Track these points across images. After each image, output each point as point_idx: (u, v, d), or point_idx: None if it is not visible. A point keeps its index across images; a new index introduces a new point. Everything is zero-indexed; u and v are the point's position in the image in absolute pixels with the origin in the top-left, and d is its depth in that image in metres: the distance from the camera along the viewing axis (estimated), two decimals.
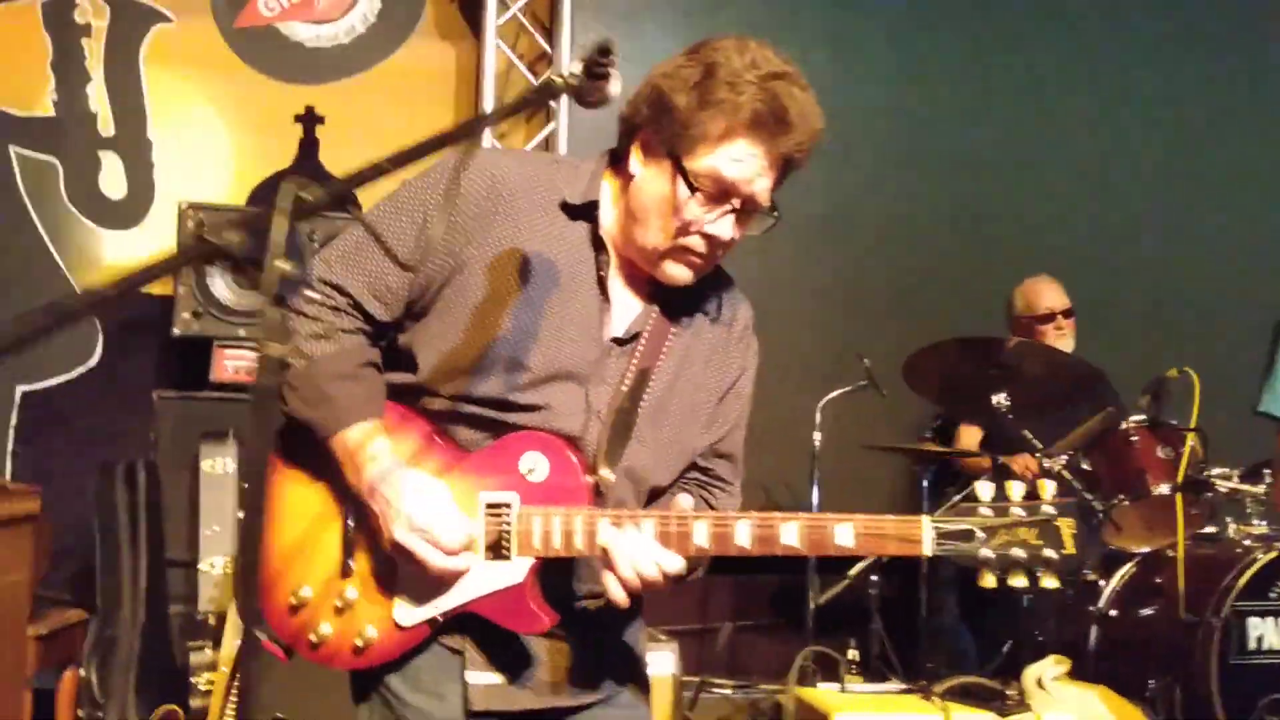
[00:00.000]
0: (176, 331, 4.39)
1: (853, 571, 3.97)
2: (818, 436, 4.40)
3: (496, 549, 1.81)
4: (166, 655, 4.10)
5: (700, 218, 1.81)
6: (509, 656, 1.89)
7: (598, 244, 1.90)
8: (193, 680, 3.91)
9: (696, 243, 1.83)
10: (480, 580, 1.82)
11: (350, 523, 1.89)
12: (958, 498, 1.82)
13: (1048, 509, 1.72)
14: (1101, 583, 4.04)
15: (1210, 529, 4.13)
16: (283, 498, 1.92)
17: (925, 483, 4.43)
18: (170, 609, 4.18)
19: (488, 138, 4.96)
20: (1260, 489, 3.96)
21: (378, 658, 1.87)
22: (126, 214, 5.00)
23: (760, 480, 5.00)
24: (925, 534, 1.73)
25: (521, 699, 1.89)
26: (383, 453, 1.82)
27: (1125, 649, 3.91)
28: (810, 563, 4.32)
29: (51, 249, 4.92)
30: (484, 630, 1.86)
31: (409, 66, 5.23)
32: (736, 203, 1.81)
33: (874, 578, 3.99)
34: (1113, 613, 3.97)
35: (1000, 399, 3.91)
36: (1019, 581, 1.73)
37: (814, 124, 1.81)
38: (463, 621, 1.86)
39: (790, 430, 4.52)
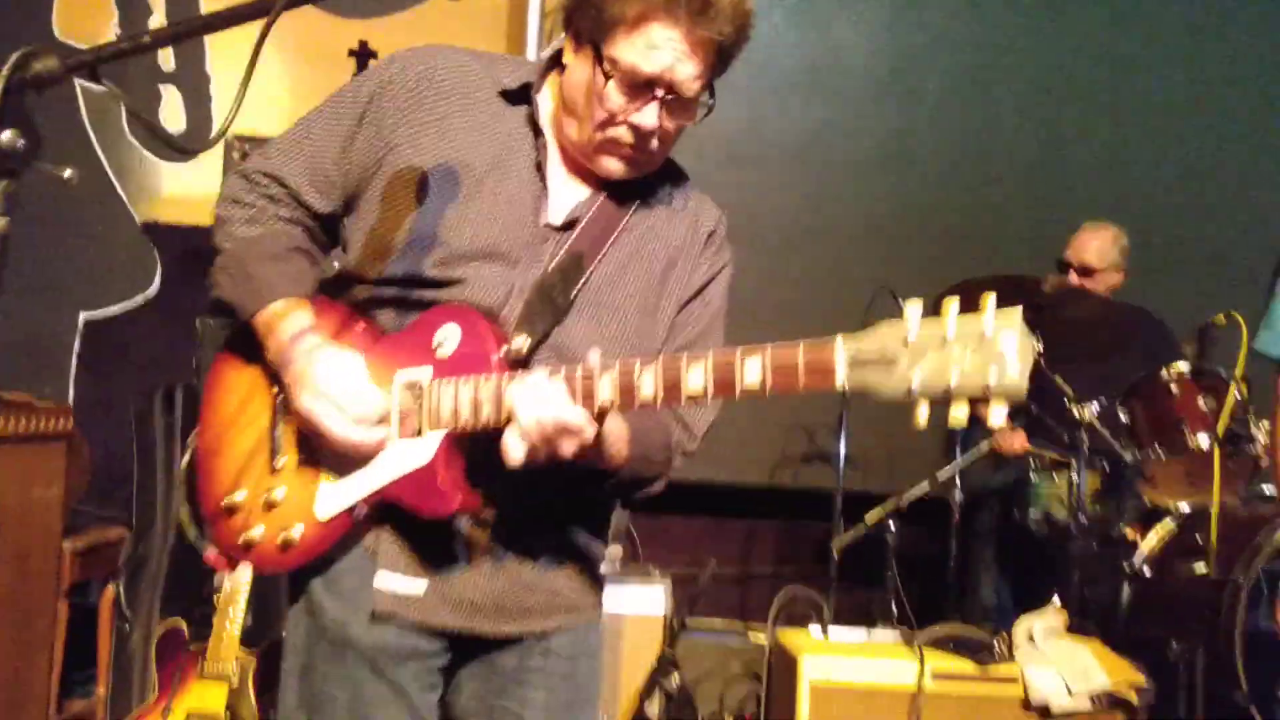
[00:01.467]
0: None
1: (869, 517, 3.85)
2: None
3: (411, 427, 1.73)
4: (194, 573, 4.22)
5: (622, 107, 1.74)
6: (426, 556, 1.79)
7: (535, 129, 1.84)
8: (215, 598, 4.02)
9: (623, 133, 1.77)
10: (394, 462, 1.73)
11: (278, 418, 1.84)
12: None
13: (985, 323, 1.39)
14: (1138, 540, 3.83)
15: (1267, 487, 3.87)
16: (218, 400, 1.90)
17: (959, 435, 4.25)
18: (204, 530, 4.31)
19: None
20: None
21: (302, 556, 1.81)
22: (186, 145, 5.09)
23: (784, 424, 4.90)
24: (838, 358, 1.46)
25: (437, 613, 1.79)
26: (301, 324, 1.78)
27: (1157, 610, 3.71)
28: (837, 508, 4.20)
29: (113, 179, 5.07)
30: (403, 525, 1.78)
31: (460, 3, 5.20)
32: (660, 91, 1.73)
33: (892, 526, 3.85)
34: (1147, 571, 3.76)
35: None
36: (960, 411, 1.40)
37: (741, 6, 1.72)
38: (383, 516, 1.78)
39: None
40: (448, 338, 1.72)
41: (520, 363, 1.74)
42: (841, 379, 1.47)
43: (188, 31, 1.29)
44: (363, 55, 5.27)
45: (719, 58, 1.76)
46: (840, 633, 3.38)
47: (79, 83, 5.01)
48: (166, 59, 5.09)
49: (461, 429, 1.69)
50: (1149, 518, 3.87)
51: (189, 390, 4.31)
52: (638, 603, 3.38)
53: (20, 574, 3.72)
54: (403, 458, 1.73)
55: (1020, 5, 5.34)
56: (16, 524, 3.67)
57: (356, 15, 5.18)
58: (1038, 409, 3.97)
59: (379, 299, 1.82)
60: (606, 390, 1.60)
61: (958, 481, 4.10)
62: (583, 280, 1.81)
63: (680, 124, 1.80)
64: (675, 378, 1.56)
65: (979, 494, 4.34)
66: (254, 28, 5.28)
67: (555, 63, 1.87)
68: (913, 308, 1.46)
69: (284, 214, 1.88)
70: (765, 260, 4.87)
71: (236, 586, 3.37)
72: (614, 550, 3.90)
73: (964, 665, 3.09)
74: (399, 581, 1.79)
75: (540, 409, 1.59)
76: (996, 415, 1.40)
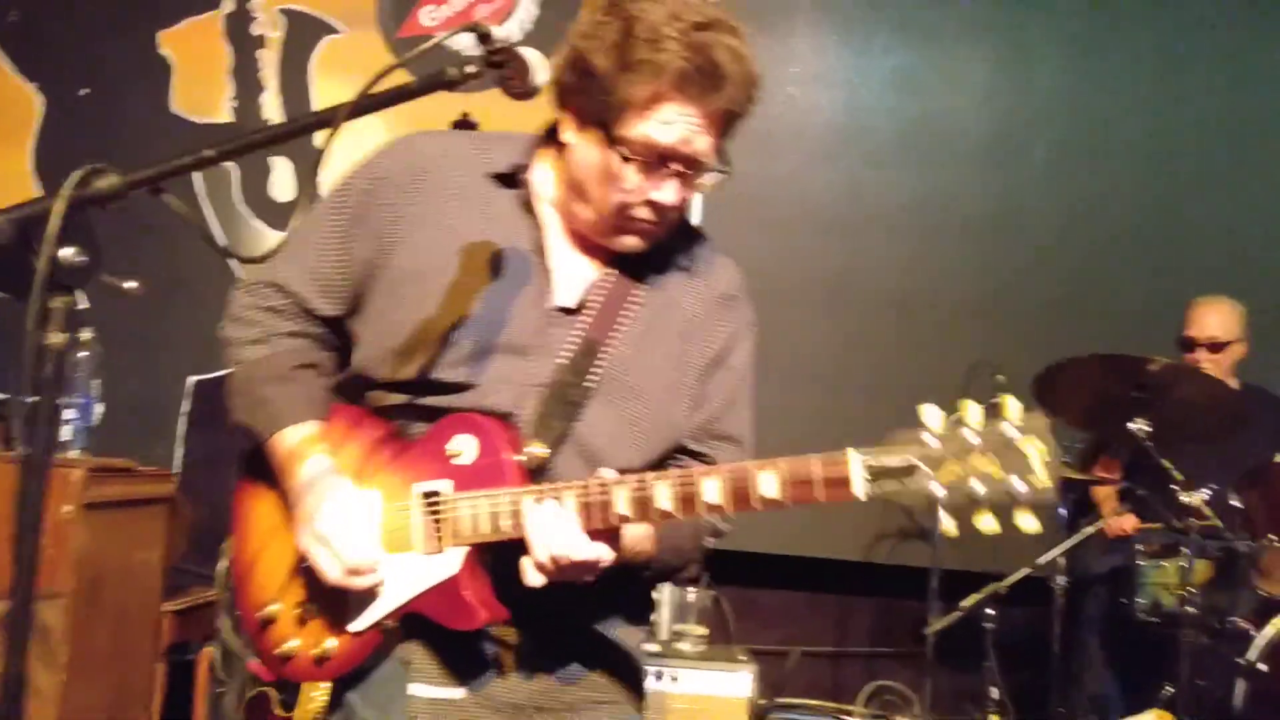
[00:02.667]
0: None
1: (966, 602, 3.72)
2: None
3: (432, 542, 1.72)
4: None
5: (640, 186, 1.70)
6: (460, 665, 1.78)
7: (530, 210, 1.80)
8: None
9: (642, 212, 1.73)
10: (418, 576, 1.72)
11: None
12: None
13: (1008, 429, 1.38)
14: (1253, 632, 3.63)
15: None
16: (249, 514, 1.91)
17: (1063, 510, 4.11)
18: None
19: None
20: None
21: (337, 669, 1.81)
22: (285, 214, 5.26)
23: (882, 503, 4.77)
24: (854, 472, 1.45)
25: (472, 713, 1.77)
26: (313, 458, 1.76)
27: (1272, 706, 3.50)
28: (931, 589, 4.08)
29: (225, 247, 5.24)
30: (434, 636, 1.77)
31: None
32: (677, 166, 1.70)
33: (989, 610, 3.72)
34: (1262, 666, 3.56)
35: (1141, 424, 3.59)
36: (986, 523, 1.38)
37: (749, 71, 1.67)
38: (413, 627, 1.77)
39: None
40: (465, 448, 1.71)
41: (539, 470, 1.72)
42: (860, 492, 1.45)
43: (250, 145, 1.31)
44: (464, 127, 5.38)
45: (728, 124, 1.72)
46: None
47: None
48: None
49: (481, 541, 1.68)
50: (1264, 610, 3.67)
51: None
52: (722, 685, 3.31)
53: (119, 635, 3.80)
54: (426, 572, 1.72)
55: (1129, 68, 5.17)
56: (117, 586, 3.75)
57: (462, 90, 5.27)
58: (1147, 493, 3.82)
59: (395, 405, 1.79)
60: (622, 506, 1.59)
61: (1061, 563, 3.94)
62: (598, 365, 1.77)
63: (692, 194, 1.76)
64: (690, 493, 1.56)
65: (1084, 578, 4.17)
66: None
67: (549, 138, 1.83)
68: (930, 413, 1.44)
69: (288, 328, 1.86)
70: (861, 329, 4.80)
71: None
72: (698, 630, 3.83)
73: None
74: (431, 690, 1.78)
75: (553, 544, 1.60)
76: (1027, 523, 1.37)
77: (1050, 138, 5.14)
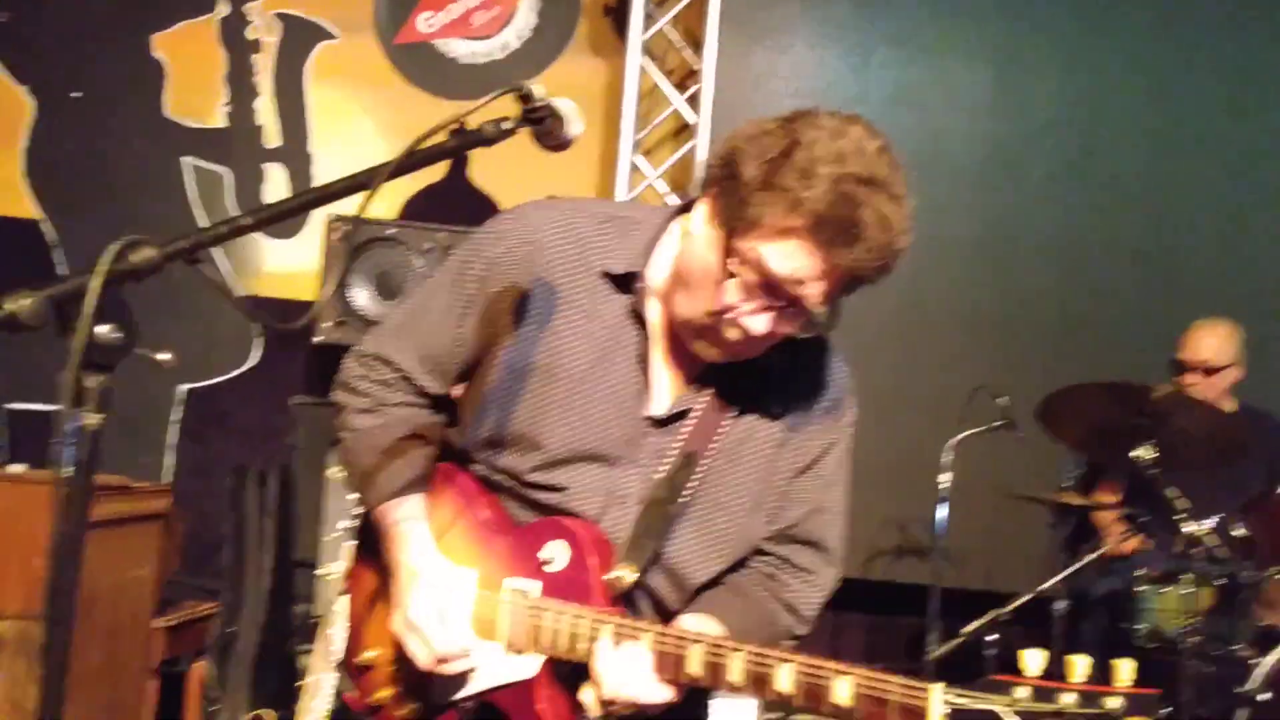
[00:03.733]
0: (317, 339, 4.53)
1: (967, 630, 3.71)
2: (946, 478, 4.11)
3: (517, 640, 1.73)
4: (285, 655, 4.23)
5: (736, 304, 1.62)
6: None
7: (639, 319, 1.75)
8: (299, 684, 4.02)
9: (731, 332, 1.65)
10: (499, 670, 1.74)
11: None
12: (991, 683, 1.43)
13: (1111, 704, 1.32)
14: (1253, 661, 3.63)
15: None
16: (367, 572, 1.93)
17: (1065, 538, 4.10)
18: (295, 609, 4.33)
19: (627, 156, 4.93)
20: None
21: None
22: (288, 224, 5.18)
23: (875, 516, 4.77)
24: (933, 709, 1.40)
25: None
26: (413, 537, 1.79)
27: None
28: (932, 609, 4.08)
29: (217, 256, 5.18)
30: None
31: (561, 82, 5.22)
32: (780, 301, 1.61)
33: (989, 638, 3.71)
34: (1264, 696, 3.56)
35: (1143, 452, 3.59)
36: None
37: (891, 242, 1.57)
38: (487, 715, 1.77)
39: (914, 470, 4.27)
40: (557, 555, 1.72)
41: (624, 595, 1.72)
42: None
43: (287, 211, 1.27)
44: (462, 136, 5.32)
45: (850, 283, 1.64)
46: None
47: (187, 161, 5.16)
48: (272, 137, 5.20)
49: (556, 656, 1.69)
50: (1266, 640, 3.67)
51: (284, 471, 4.35)
52: (726, 714, 3.28)
53: (111, 651, 3.76)
54: (507, 669, 1.74)
55: (1129, 88, 5.15)
56: (109, 604, 3.72)
57: (457, 96, 5.23)
58: (1150, 519, 3.81)
59: (493, 484, 1.81)
60: (695, 665, 1.58)
61: (1060, 587, 3.94)
62: (693, 481, 1.74)
63: (789, 332, 1.68)
64: (763, 675, 1.54)
65: (1082, 600, 4.17)
66: (355, 104, 5.34)
67: (682, 209, 1.77)
68: (1032, 657, 1.41)
69: (397, 399, 1.86)
70: (857, 352, 4.75)
71: (318, 680, 3.37)
72: None
73: None
74: None
75: (622, 687, 1.60)
76: None
77: (1046, 157, 5.12)
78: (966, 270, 5.00)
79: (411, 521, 1.80)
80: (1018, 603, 3.78)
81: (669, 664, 1.60)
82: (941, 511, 4.11)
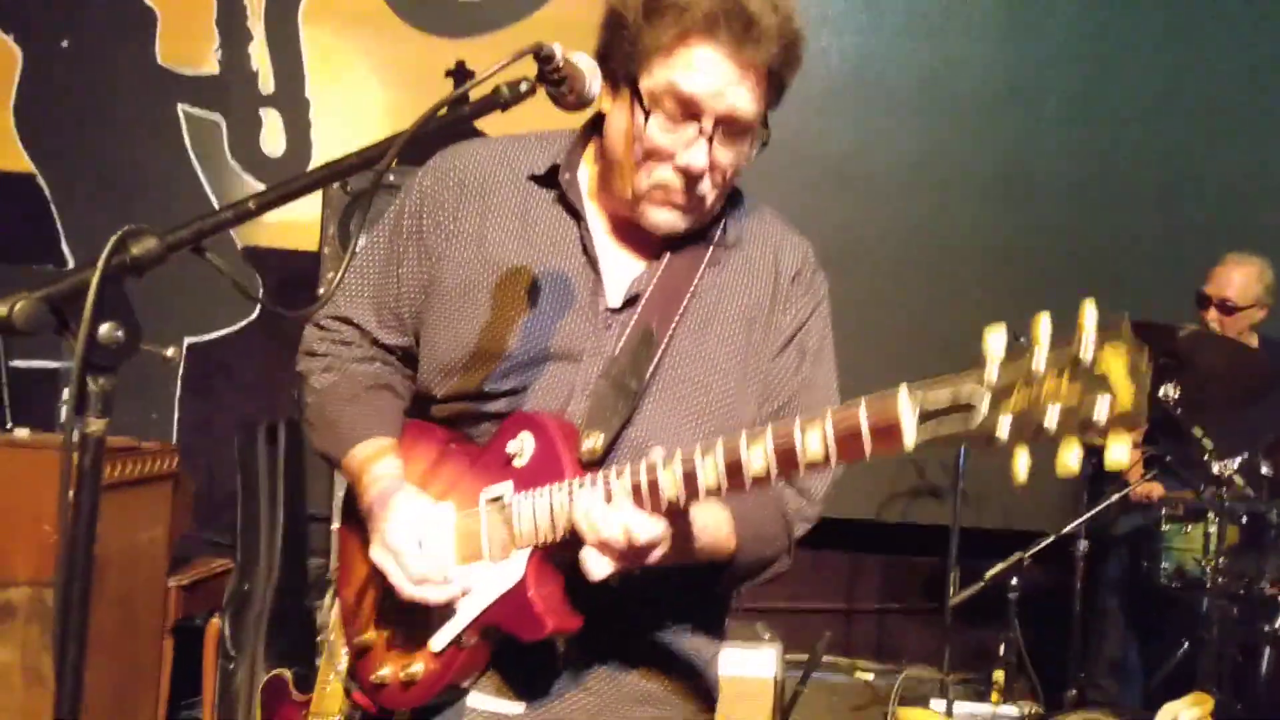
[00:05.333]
0: (321, 290, 4.45)
1: (989, 574, 3.67)
2: None
3: (501, 547, 1.64)
4: (300, 611, 4.21)
5: (664, 145, 1.60)
6: (522, 680, 1.71)
7: (570, 208, 1.73)
8: (319, 639, 4.00)
9: (667, 177, 1.63)
10: (488, 585, 1.65)
11: None
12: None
13: (1084, 344, 1.11)
14: None
15: None
16: (350, 552, 1.87)
17: (1085, 476, 4.05)
18: (310, 563, 4.30)
19: None
20: None
21: (424, 692, 1.74)
22: (285, 170, 5.10)
23: (897, 460, 4.71)
24: (904, 414, 1.25)
25: None
26: (385, 473, 1.73)
27: None
28: (951, 551, 4.04)
29: (215, 204, 5.08)
30: (501, 652, 1.69)
31: (559, 19, 5.08)
32: (708, 124, 1.58)
33: (1014, 580, 3.67)
34: None
35: (1168, 390, 3.52)
36: (1071, 457, 1.11)
37: (787, 22, 1.58)
38: (501, 654, 1.69)
39: None
40: (523, 447, 1.64)
41: (596, 463, 1.63)
42: (910, 438, 1.25)
43: (293, 192, 1.19)
44: (460, 75, 5.20)
45: (770, 84, 1.61)
46: (963, 708, 3.22)
47: (181, 108, 5.04)
48: (266, 82, 5.07)
49: (545, 543, 1.60)
50: None
51: (292, 425, 4.30)
52: (746, 665, 3.25)
53: (126, 614, 3.74)
54: (495, 581, 1.65)
55: (1147, 13, 5.01)
56: (122, 566, 3.68)
57: (453, 34, 5.10)
58: (1174, 460, 3.76)
59: (454, 414, 1.76)
60: (669, 487, 1.47)
61: (1082, 530, 3.90)
62: (656, 359, 1.68)
63: (735, 163, 1.64)
64: (735, 460, 1.41)
65: (1104, 540, 4.13)
66: (350, 46, 5.19)
67: (594, 128, 1.76)
68: (994, 337, 1.22)
69: (358, 354, 1.85)
70: (874, 288, 4.68)
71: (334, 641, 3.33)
72: None
73: None
74: (494, 703, 1.72)
75: (604, 528, 1.49)
76: (1118, 452, 1.11)
77: (1063, 86, 4.99)
78: (982, 202, 4.91)
79: (378, 455, 1.75)
80: (1042, 544, 3.73)
81: (644, 499, 1.49)
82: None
